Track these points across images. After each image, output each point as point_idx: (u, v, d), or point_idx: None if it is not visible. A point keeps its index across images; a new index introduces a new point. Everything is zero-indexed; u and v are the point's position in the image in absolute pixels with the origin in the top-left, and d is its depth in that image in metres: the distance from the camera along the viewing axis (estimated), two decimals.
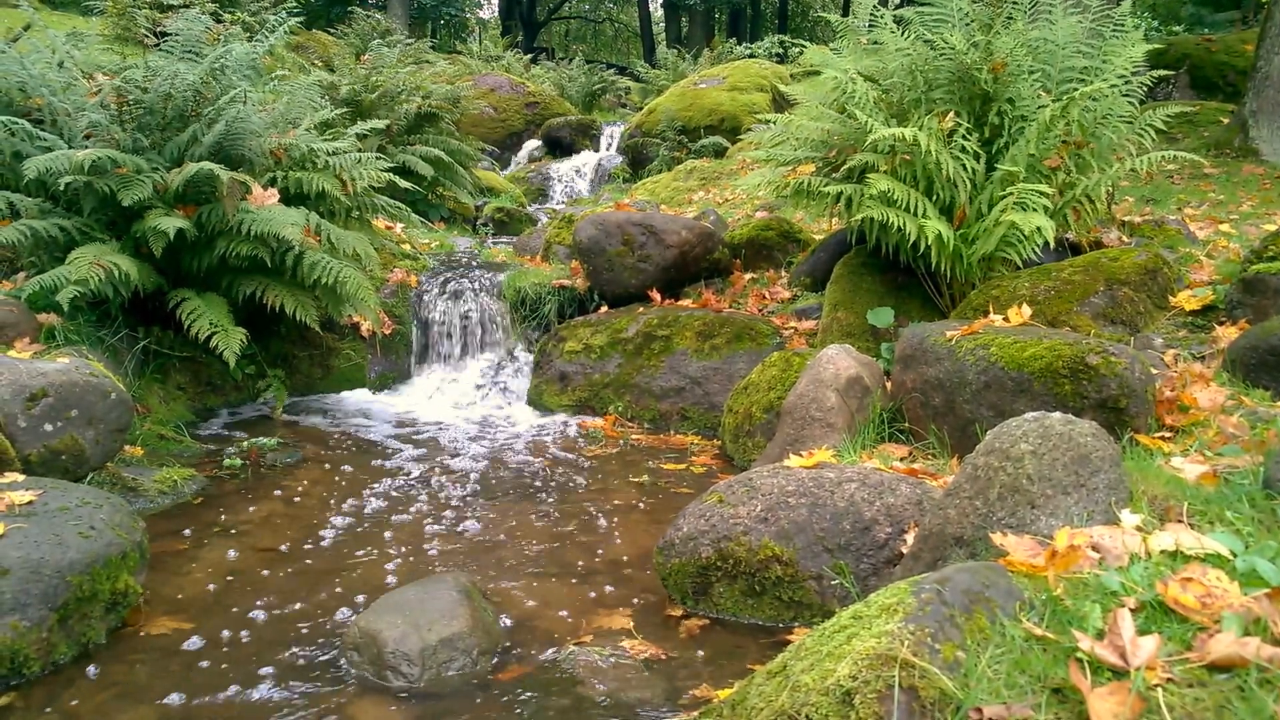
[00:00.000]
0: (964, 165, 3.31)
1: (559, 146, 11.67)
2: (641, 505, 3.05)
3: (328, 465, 3.41)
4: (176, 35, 4.12)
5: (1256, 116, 6.33)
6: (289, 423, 4.01)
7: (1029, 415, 1.69)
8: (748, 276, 4.86)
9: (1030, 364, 2.51)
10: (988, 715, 1.13)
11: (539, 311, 4.92)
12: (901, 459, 2.71)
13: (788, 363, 3.44)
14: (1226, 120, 6.93)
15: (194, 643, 2.05)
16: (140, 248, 3.60)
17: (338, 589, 2.35)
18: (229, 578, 2.41)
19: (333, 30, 14.21)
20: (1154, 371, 2.55)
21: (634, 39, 32.41)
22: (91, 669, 1.93)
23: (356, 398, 4.49)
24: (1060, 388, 2.44)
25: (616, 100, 15.59)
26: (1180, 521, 1.64)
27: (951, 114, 3.39)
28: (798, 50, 6.99)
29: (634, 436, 3.94)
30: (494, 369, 4.79)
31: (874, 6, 3.84)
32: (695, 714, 1.55)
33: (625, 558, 2.60)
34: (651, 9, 28.63)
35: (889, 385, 3.09)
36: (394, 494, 3.11)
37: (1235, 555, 1.41)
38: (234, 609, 2.22)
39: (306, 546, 2.63)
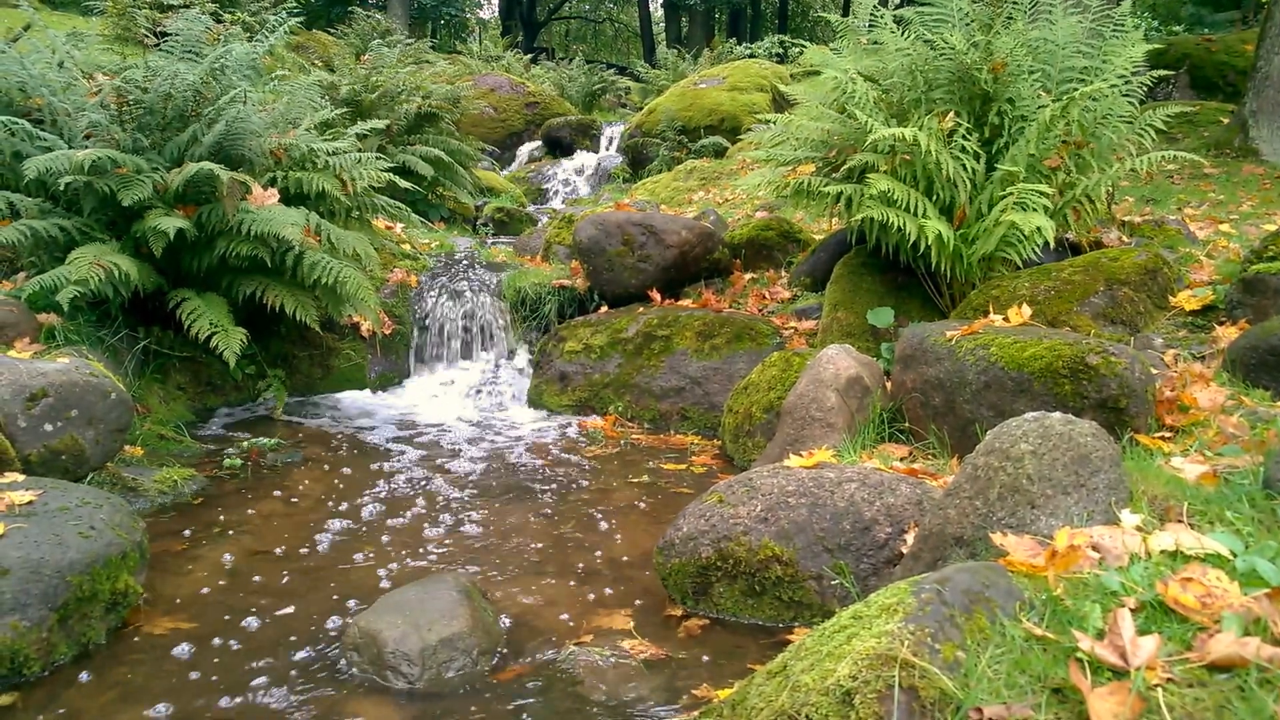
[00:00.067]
0: (964, 165, 3.31)
1: (559, 146, 11.67)
2: (641, 505, 3.05)
3: (328, 465, 3.41)
4: (176, 35, 4.12)
5: (1256, 116, 6.33)
6: (289, 423, 4.01)
7: (1029, 415, 1.69)
8: (748, 276, 4.86)
9: (1030, 364, 2.51)
10: (988, 715, 1.13)
11: (539, 311, 4.92)
12: (901, 459, 2.71)
13: (788, 363, 3.44)
14: (1226, 120, 6.93)
15: (194, 643, 2.04)
16: (140, 248, 3.60)
17: (338, 589, 2.35)
18: (229, 578, 2.41)
19: (333, 30, 14.21)
20: (1154, 371, 2.55)
21: (634, 39, 32.41)
22: (92, 669, 1.93)
23: (357, 398, 4.49)
24: (1060, 388, 2.44)
25: (616, 100, 15.59)
26: (1180, 521, 1.64)
27: (951, 114, 3.39)
28: (798, 50, 6.99)
29: (634, 436, 3.94)
30: (494, 369, 4.79)
31: (874, 6, 3.84)
32: (695, 714, 1.55)
33: (625, 558, 2.60)
34: (651, 9, 28.64)
35: (889, 385, 3.09)
36: (394, 494, 3.11)
37: (1235, 555, 1.41)
38: (234, 609, 2.22)
39: (306, 547, 2.63)
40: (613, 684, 1.89)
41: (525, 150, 12.02)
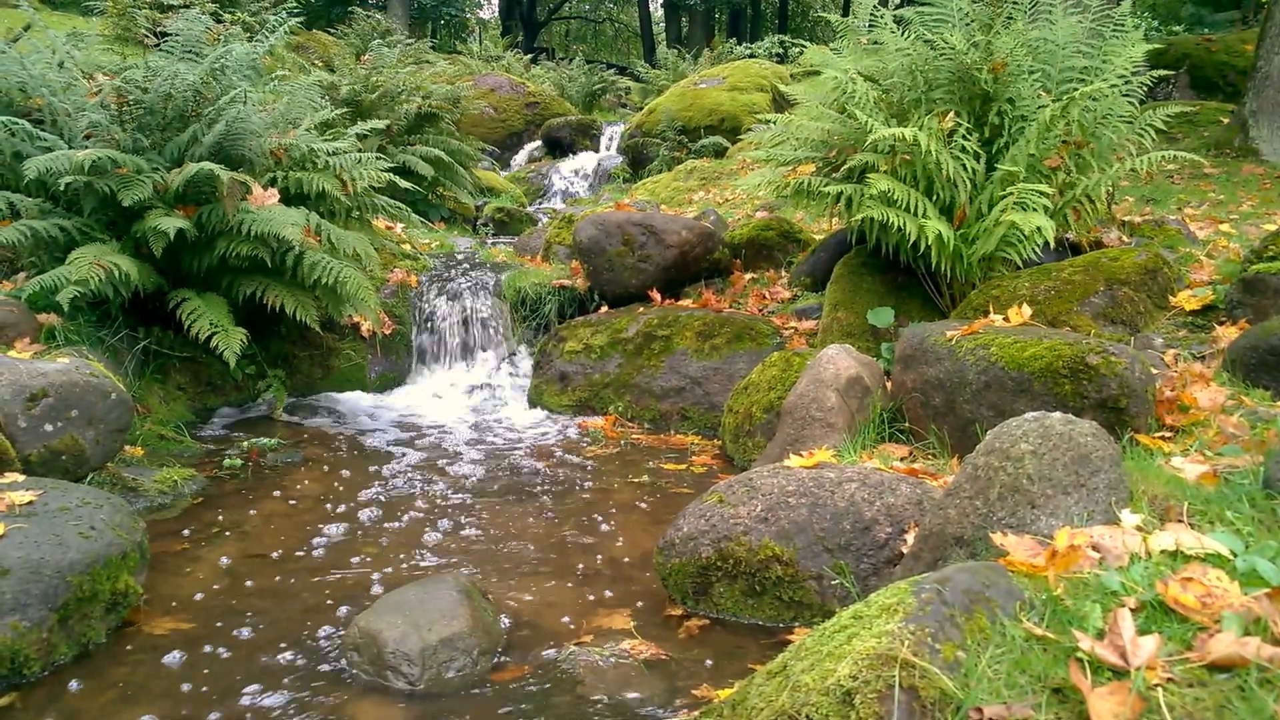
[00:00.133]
0: (964, 165, 3.31)
1: (559, 147, 11.67)
2: (642, 505, 3.05)
3: (328, 466, 3.41)
4: (176, 35, 4.12)
5: (1256, 116, 6.33)
6: (289, 423, 4.01)
7: (1029, 415, 1.69)
8: (748, 276, 4.86)
9: (1030, 364, 2.51)
10: (988, 715, 1.13)
11: (539, 311, 4.92)
12: (902, 459, 2.71)
13: (788, 363, 3.44)
14: (1226, 120, 6.93)
15: (195, 643, 2.04)
16: (140, 248, 3.60)
17: (338, 589, 2.35)
18: (229, 578, 2.41)
19: (333, 30, 14.21)
20: (1154, 371, 2.55)
21: (634, 39, 32.42)
22: (92, 669, 1.93)
23: (357, 398, 4.49)
24: (1060, 388, 2.44)
25: (616, 100, 15.60)
26: (1180, 521, 1.64)
27: (951, 114, 3.39)
28: (798, 50, 6.99)
29: (634, 436, 3.94)
30: (494, 369, 4.79)
31: (874, 6, 3.84)
32: (695, 714, 1.55)
33: (625, 558, 2.60)
34: (651, 9, 28.64)
35: (889, 385, 3.09)
36: (394, 494, 3.11)
37: (1235, 555, 1.41)
38: (234, 609, 2.22)
39: (306, 547, 2.63)
40: (613, 684, 1.89)
41: (525, 150, 12.02)
